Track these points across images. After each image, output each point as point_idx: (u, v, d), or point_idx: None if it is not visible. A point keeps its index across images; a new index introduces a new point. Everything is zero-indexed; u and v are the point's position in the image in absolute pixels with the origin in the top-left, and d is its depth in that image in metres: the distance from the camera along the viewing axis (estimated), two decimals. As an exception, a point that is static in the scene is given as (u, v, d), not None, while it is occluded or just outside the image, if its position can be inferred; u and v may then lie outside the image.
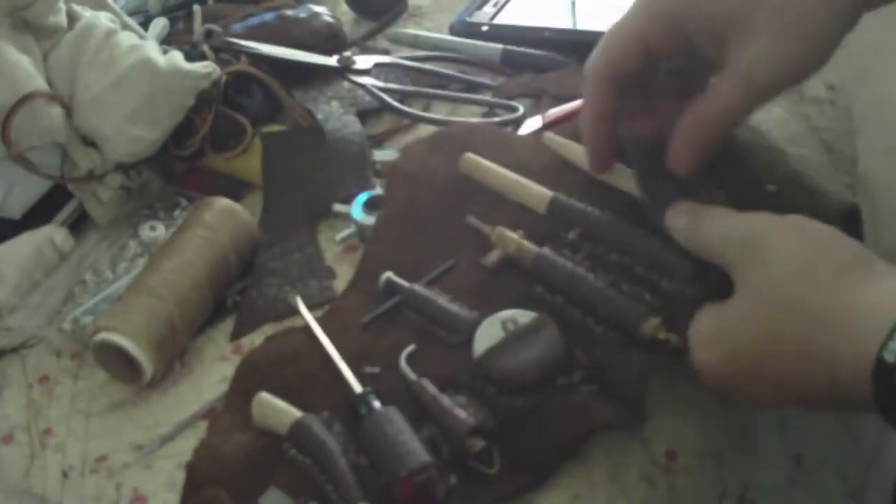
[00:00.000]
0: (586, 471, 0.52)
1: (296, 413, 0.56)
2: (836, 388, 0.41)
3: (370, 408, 0.54)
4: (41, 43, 0.74)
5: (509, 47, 0.82)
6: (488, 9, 0.88)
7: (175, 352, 0.65)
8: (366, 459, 0.53)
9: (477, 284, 0.61)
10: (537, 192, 0.63)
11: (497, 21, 0.87)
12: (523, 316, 0.56)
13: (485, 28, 0.86)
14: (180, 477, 0.58)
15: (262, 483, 0.54)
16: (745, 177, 0.57)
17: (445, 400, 0.53)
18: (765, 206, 0.49)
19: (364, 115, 0.81)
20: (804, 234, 0.45)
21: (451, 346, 0.58)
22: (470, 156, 0.67)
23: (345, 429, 0.55)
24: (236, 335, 0.67)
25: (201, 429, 0.61)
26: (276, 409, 0.56)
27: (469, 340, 0.56)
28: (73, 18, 0.77)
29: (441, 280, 0.62)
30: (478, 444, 0.51)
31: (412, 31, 0.91)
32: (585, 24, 0.83)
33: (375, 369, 0.58)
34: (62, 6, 0.76)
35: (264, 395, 0.57)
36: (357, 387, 0.56)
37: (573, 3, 0.86)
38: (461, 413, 0.52)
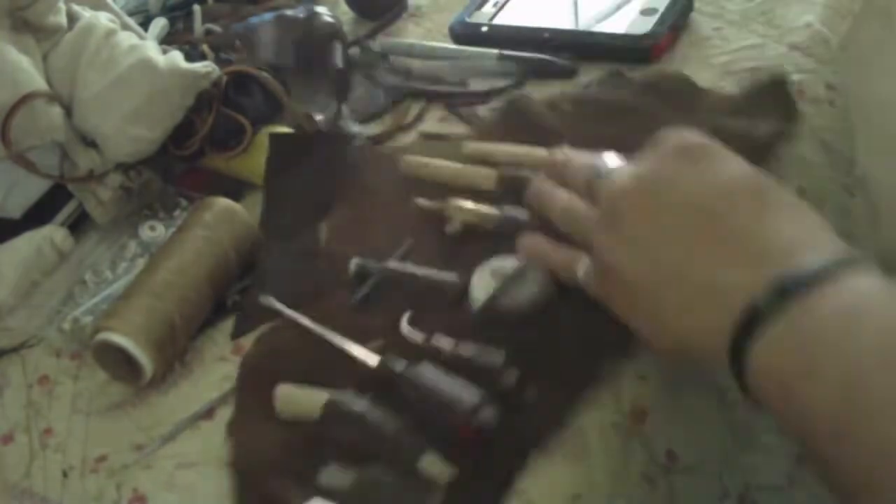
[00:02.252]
0: (586, 471, 0.52)
1: (323, 395, 0.56)
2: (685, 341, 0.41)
3: (400, 369, 0.55)
4: (41, 43, 0.74)
5: (505, 52, 0.82)
6: (488, 9, 0.88)
7: (175, 352, 0.65)
8: (408, 419, 0.53)
9: (443, 255, 0.64)
10: (484, 172, 0.67)
11: (496, 21, 0.87)
12: (507, 261, 0.58)
13: (484, 28, 0.86)
14: (180, 477, 0.58)
15: (310, 468, 0.54)
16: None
17: (467, 348, 0.55)
18: None
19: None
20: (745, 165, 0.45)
21: (441, 310, 0.59)
22: (410, 157, 0.72)
23: (372, 399, 0.55)
24: (237, 334, 0.66)
25: (201, 429, 0.61)
26: (301, 396, 0.57)
27: (459, 301, 0.59)
28: (73, 18, 0.77)
29: (407, 260, 0.65)
30: (512, 375, 0.53)
31: (407, 40, 0.91)
32: (587, 24, 0.83)
33: (379, 342, 0.59)
34: (62, 6, 0.76)
35: (286, 386, 0.57)
36: (372, 358, 0.57)
37: (576, 3, 0.86)
38: (488, 353, 0.54)
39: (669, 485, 0.52)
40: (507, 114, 0.74)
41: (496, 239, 0.62)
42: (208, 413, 0.61)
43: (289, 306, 0.64)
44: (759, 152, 0.63)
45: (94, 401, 0.65)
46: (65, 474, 0.61)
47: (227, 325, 0.68)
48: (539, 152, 0.67)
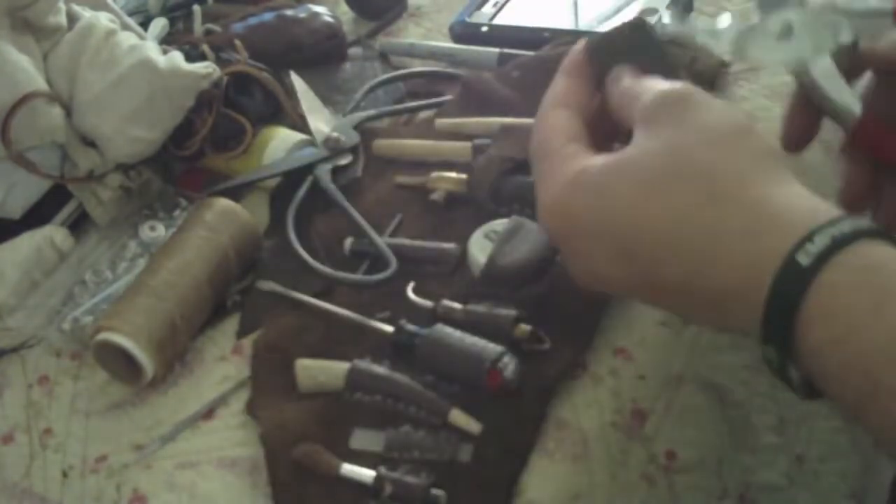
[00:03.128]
0: (586, 471, 0.52)
1: (342, 365, 0.57)
2: (718, 281, 0.35)
3: (418, 331, 0.57)
4: (41, 43, 0.74)
5: (506, 50, 0.82)
6: (488, 9, 0.88)
7: (176, 352, 0.65)
8: (429, 380, 0.55)
9: (432, 224, 0.67)
10: (459, 144, 0.71)
11: (496, 21, 0.87)
12: (499, 224, 0.61)
13: (484, 28, 0.86)
14: (180, 477, 0.58)
15: (339, 436, 0.55)
16: None
17: (477, 307, 0.57)
18: None
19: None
20: (729, 112, 0.40)
21: (442, 278, 0.62)
22: (381, 140, 0.75)
23: (391, 364, 0.57)
24: (242, 333, 0.66)
25: (201, 429, 0.61)
26: (322, 367, 0.58)
27: (457, 267, 0.62)
28: (73, 18, 0.77)
29: (397, 233, 0.68)
30: (525, 328, 0.55)
31: (407, 39, 0.91)
32: (587, 24, 0.83)
33: (386, 313, 0.61)
34: (62, 6, 0.76)
35: (304, 360, 0.59)
36: (387, 327, 0.59)
37: (576, 3, 0.86)
38: (501, 311, 0.56)
39: (669, 485, 0.52)
40: (464, 93, 0.77)
41: (480, 203, 0.65)
42: (208, 413, 0.62)
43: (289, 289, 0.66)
44: (706, 82, 0.69)
45: (94, 401, 0.65)
46: (65, 474, 0.61)
47: (227, 325, 0.68)
48: (504, 121, 0.71)
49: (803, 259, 0.33)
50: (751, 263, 0.34)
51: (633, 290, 0.40)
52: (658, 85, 0.42)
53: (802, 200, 0.36)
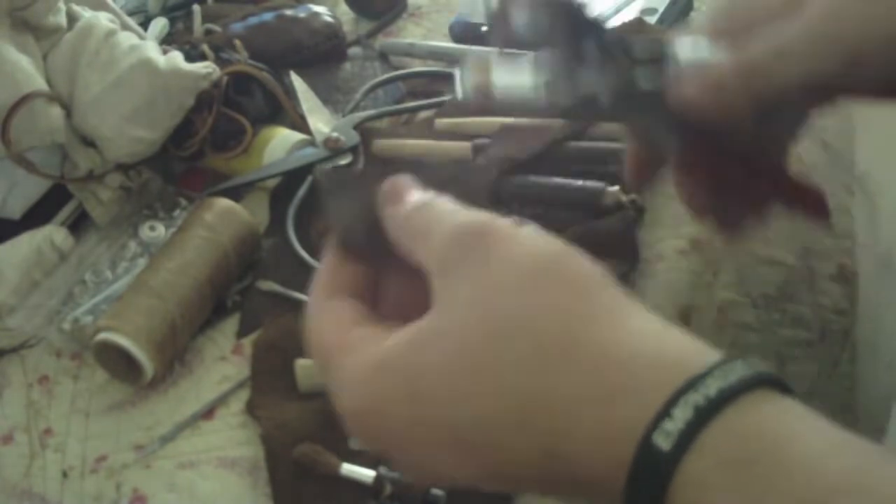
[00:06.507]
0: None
1: None
2: (577, 458, 0.28)
3: None
4: (41, 43, 0.74)
5: (506, 50, 0.82)
6: (488, 9, 0.88)
7: (175, 352, 0.65)
8: None
9: None
10: (458, 144, 0.71)
11: (497, 21, 0.87)
12: None
13: (484, 28, 0.86)
14: (180, 477, 0.58)
15: (339, 435, 0.54)
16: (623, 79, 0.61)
17: None
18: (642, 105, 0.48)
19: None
20: (537, 240, 0.31)
21: None
22: (381, 140, 0.76)
23: None
24: (243, 333, 0.66)
25: (201, 429, 0.61)
26: None
27: None
28: (72, 18, 0.77)
29: None
30: None
31: (407, 39, 0.91)
32: (586, 24, 0.83)
33: None
34: (62, 6, 0.76)
35: (305, 360, 0.59)
36: None
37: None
38: None
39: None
40: None
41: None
42: (208, 413, 0.62)
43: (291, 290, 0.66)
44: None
45: (94, 401, 0.65)
46: (65, 474, 0.61)
47: (227, 325, 0.68)
48: (504, 121, 0.71)
49: (662, 442, 0.26)
50: (607, 437, 0.27)
51: (488, 483, 0.31)
52: (449, 217, 0.32)
53: (653, 343, 0.28)
